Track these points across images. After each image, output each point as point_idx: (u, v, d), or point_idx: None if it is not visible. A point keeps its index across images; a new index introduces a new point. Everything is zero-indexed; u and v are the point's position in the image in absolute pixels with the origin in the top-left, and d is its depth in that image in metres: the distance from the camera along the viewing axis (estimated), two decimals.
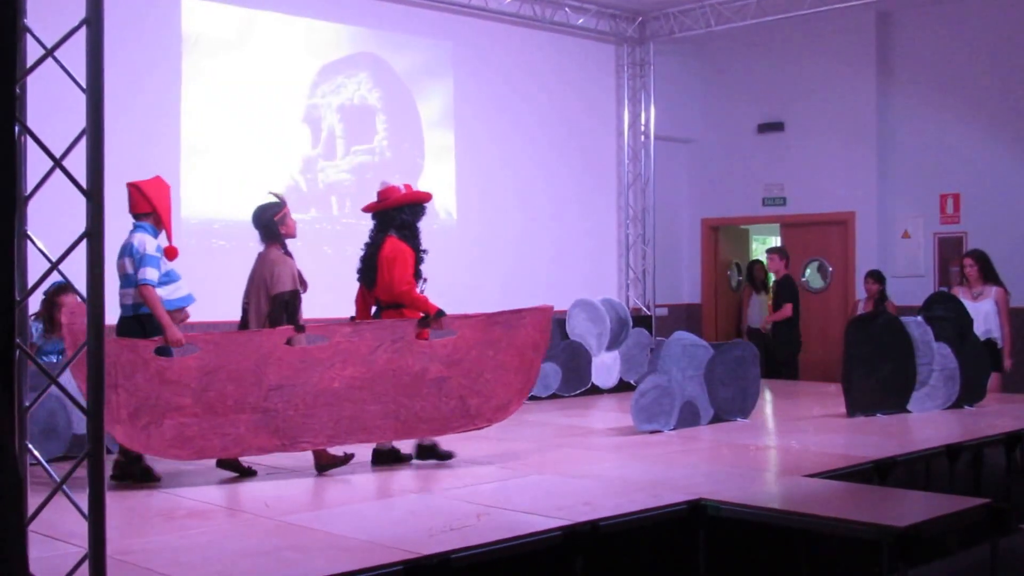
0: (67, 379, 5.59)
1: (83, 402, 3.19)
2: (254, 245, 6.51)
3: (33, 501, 3.14)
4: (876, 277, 10.99)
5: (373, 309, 6.74)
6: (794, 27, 12.37)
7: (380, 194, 6.79)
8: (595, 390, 10.33)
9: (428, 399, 6.41)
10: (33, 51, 3.08)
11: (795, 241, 13.19)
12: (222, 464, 6.23)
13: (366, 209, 6.89)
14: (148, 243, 6.05)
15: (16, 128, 2.96)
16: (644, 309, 12.92)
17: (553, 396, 9.94)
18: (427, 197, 6.91)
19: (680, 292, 13.83)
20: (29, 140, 3.07)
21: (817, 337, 12.48)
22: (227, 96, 9.70)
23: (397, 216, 6.64)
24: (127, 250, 6.07)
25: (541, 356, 6.79)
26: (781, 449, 7.00)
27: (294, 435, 6.13)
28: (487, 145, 11.58)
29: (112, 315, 6.29)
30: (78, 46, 3.11)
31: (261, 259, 6.41)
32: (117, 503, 5.36)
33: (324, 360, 6.20)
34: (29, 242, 3.11)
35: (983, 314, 9.24)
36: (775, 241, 14.48)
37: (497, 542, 4.51)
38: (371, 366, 6.28)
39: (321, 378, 6.18)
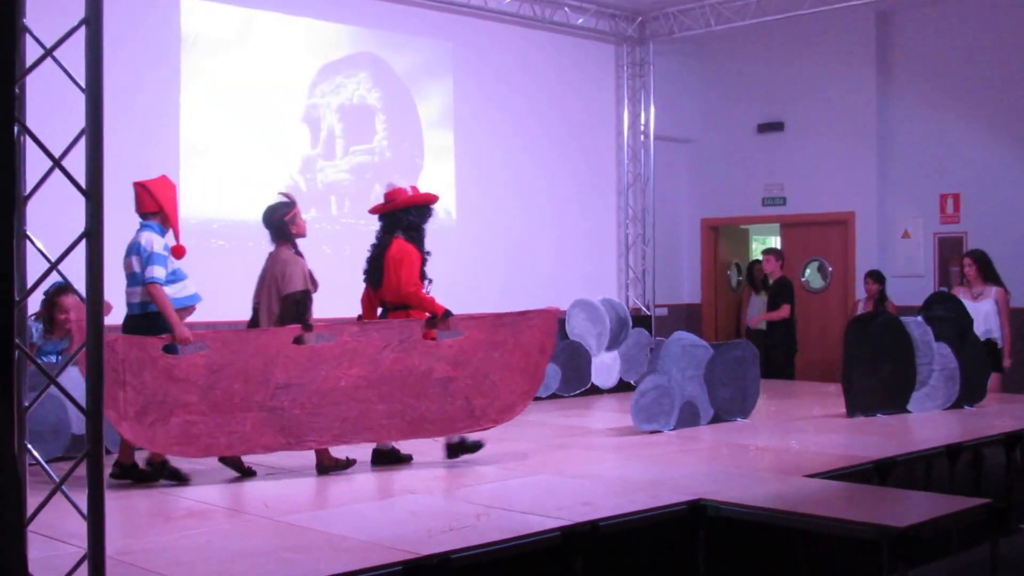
0: (77, 379, 5.58)
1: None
2: (253, 245, 6.52)
3: (32, 501, 3.14)
4: (876, 277, 10.99)
5: (379, 310, 6.75)
6: (794, 27, 12.37)
7: (387, 195, 6.80)
8: (595, 390, 10.33)
9: (434, 399, 6.43)
10: (32, 51, 3.08)
11: (795, 241, 13.19)
12: (224, 460, 6.23)
13: (373, 210, 6.90)
14: (155, 242, 6.07)
15: (15, 128, 2.96)
16: (644, 309, 12.92)
17: (553, 396, 9.94)
18: (434, 199, 6.93)
19: (680, 292, 13.83)
20: (28, 140, 3.07)
21: (817, 337, 12.48)
22: (226, 96, 9.70)
23: (404, 217, 6.67)
24: (134, 249, 6.08)
25: (547, 358, 6.82)
26: (781, 449, 6.99)
27: (300, 434, 6.14)
28: (487, 145, 11.58)
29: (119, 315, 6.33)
30: (77, 46, 3.11)
31: (272, 259, 6.41)
32: (116, 503, 5.36)
33: (331, 359, 6.22)
34: (28, 242, 3.10)
35: (983, 314, 9.24)
36: (775, 241, 14.49)
37: (497, 542, 4.51)
38: (378, 366, 6.30)
39: (328, 377, 6.20)
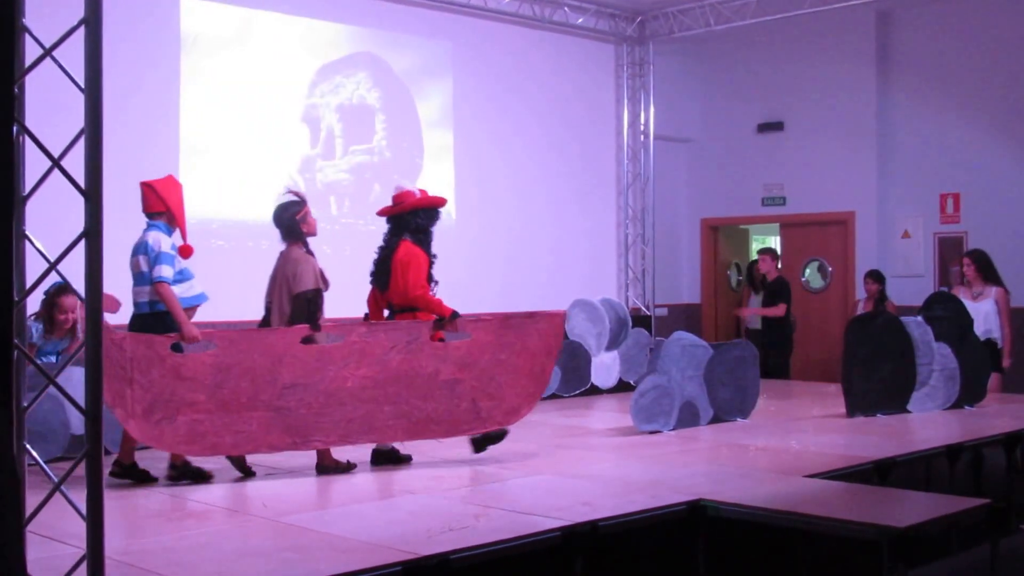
0: (77, 379, 5.58)
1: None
2: (253, 245, 6.52)
3: (31, 502, 3.13)
4: (876, 277, 10.98)
5: (386, 312, 6.76)
6: (794, 27, 12.36)
7: (395, 198, 6.82)
8: (594, 390, 10.32)
9: (440, 401, 6.44)
10: (32, 51, 3.08)
11: (795, 241, 13.19)
12: (230, 459, 6.23)
13: (381, 213, 6.92)
14: (163, 241, 6.08)
15: (15, 128, 2.95)
16: (643, 309, 12.91)
17: (553, 396, 9.93)
18: (442, 202, 6.95)
19: (680, 292, 13.82)
20: (27, 140, 3.07)
21: (817, 337, 12.48)
22: (226, 96, 9.69)
23: (412, 220, 6.69)
24: (141, 248, 6.09)
25: (553, 361, 6.83)
26: (781, 449, 6.99)
27: (306, 434, 6.16)
28: (486, 145, 11.57)
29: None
30: (77, 46, 3.11)
31: (283, 258, 6.43)
32: (116, 503, 5.36)
33: (338, 360, 6.23)
34: (28, 242, 3.10)
35: (983, 314, 9.24)
36: (775, 241, 14.49)
37: (496, 542, 4.51)
38: (385, 367, 6.31)
39: (335, 378, 6.21)
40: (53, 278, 4.40)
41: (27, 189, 3.06)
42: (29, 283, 3.12)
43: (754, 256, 13.93)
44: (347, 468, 6.34)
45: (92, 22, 3.08)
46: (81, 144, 3.09)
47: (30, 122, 3.08)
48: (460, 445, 6.83)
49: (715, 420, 8.09)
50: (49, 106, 4.67)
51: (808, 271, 13.05)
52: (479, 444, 6.71)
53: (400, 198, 6.78)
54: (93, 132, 3.08)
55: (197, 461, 6.16)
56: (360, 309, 6.95)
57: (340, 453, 6.43)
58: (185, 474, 6.08)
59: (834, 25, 12.28)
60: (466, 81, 11.41)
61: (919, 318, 8.84)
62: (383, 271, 6.68)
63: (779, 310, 11.06)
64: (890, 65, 12.31)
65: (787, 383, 10.96)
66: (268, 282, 6.46)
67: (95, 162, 3.09)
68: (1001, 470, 7.35)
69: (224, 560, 4.30)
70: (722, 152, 13.56)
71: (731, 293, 13.93)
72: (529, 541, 4.61)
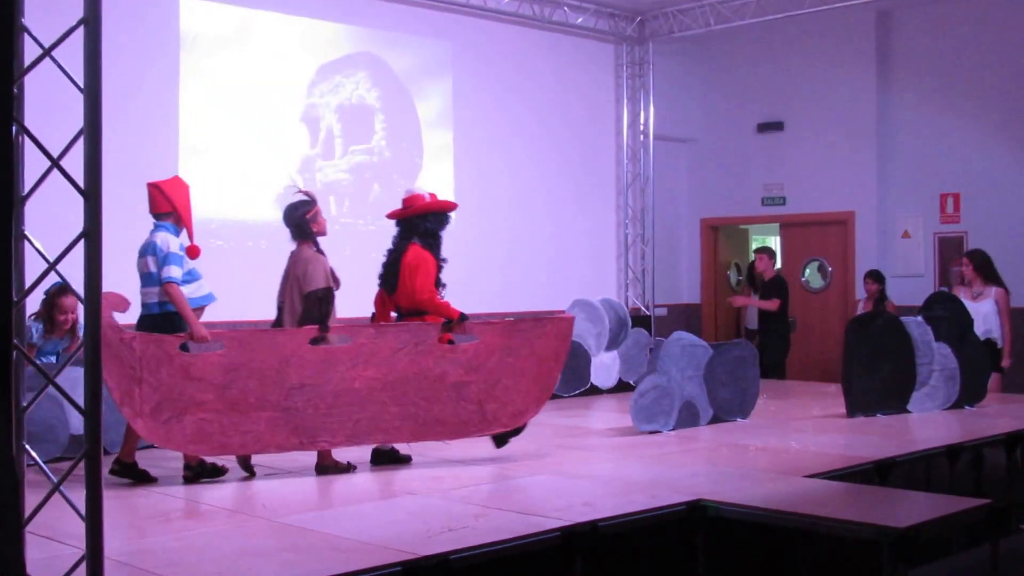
0: (76, 379, 5.58)
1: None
2: (252, 245, 6.52)
3: (31, 502, 3.13)
4: (876, 277, 10.97)
5: (394, 315, 6.77)
6: (794, 27, 12.37)
7: (405, 201, 6.83)
8: (594, 390, 10.32)
9: (447, 403, 6.45)
10: (31, 51, 3.07)
11: (795, 241, 13.19)
12: (238, 458, 6.24)
13: (391, 216, 6.92)
14: (171, 242, 6.08)
15: (14, 128, 2.95)
16: (643, 309, 12.91)
17: (553, 396, 9.86)
18: (452, 206, 6.97)
19: (679, 292, 13.82)
20: (27, 140, 3.06)
21: (816, 337, 12.48)
22: (225, 96, 9.69)
23: (421, 224, 6.70)
24: (149, 249, 6.09)
25: (560, 365, 6.83)
26: (781, 449, 6.99)
27: (313, 434, 6.17)
28: (486, 145, 11.57)
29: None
30: (76, 46, 3.11)
31: (294, 257, 6.44)
32: (116, 503, 5.36)
33: (346, 361, 6.24)
34: (27, 242, 3.10)
35: (983, 314, 9.24)
36: (775, 241, 14.48)
37: (496, 543, 4.50)
38: (392, 368, 6.32)
39: (342, 378, 6.22)
40: (53, 278, 4.40)
41: (26, 189, 3.06)
42: (28, 283, 3.12)
43: (753, 256, 13.94)
44: (347, 469, 6.34)
45: (91, 22, 3.08)
46: (80, 144, 3.09)
47: (29, 122, 3.07)
48: (461, 446, 6.83)
49: (715, 420, 8.09)
50: (48, 106, 4.66)
51: (808, 271, 13.05)
52: (500, 439, 6.74)
53: (410, 201, 6.80)
54: (92, 132, 3.08)
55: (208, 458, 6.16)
56: (360, 308, 6.96)
57: (341, 454, 6.43)
58: (202, 473, 6.08)
59: (834, 25, 12.28)
60: (466, 81, 11.40)
61: (919, 318, 8.84)
62: (391, 274, 6.69)
63: (772, 304, 11.02)
64: (890, 65, 12.31)
65: (787, 384, 10.95)
66: (280, 282, 6.47)
67: (94, 162, 3.08)
68: (1001, 470, 7.35)
69: (224, 560, 4.30)
70: (722, 152, 13.56)
71: (731, 293, 13.91)
72: (529, 541, 4.61)
